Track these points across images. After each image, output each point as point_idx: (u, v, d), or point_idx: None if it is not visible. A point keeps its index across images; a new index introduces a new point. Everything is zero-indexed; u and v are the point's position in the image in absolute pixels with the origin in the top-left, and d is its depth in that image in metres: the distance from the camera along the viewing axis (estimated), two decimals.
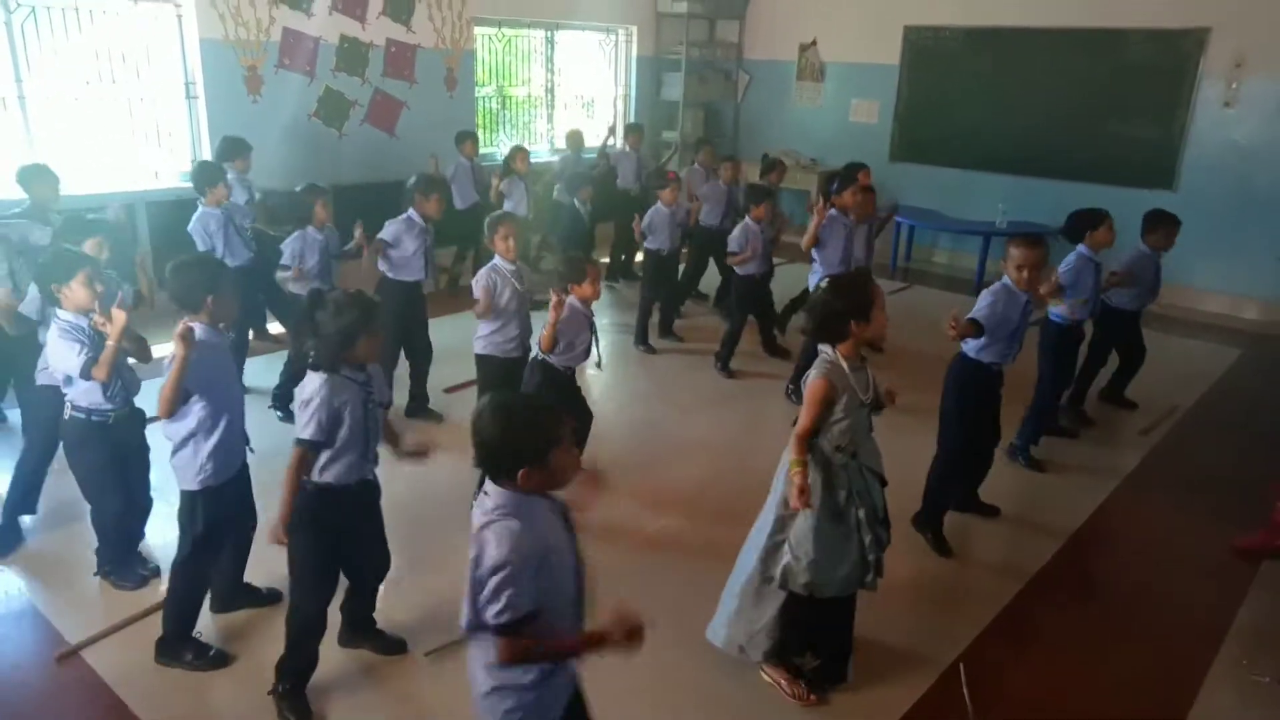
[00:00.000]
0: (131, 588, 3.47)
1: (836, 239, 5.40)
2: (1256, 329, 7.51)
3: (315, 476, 2.74)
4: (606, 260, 8.17)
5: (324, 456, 2.72)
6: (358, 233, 4.93)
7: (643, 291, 6.60)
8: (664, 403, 5.63)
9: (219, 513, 3.04)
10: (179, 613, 3.09)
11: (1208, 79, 7.69)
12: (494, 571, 1.82)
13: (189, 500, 3.01)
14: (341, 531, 2.84)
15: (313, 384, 2.69)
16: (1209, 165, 7.80)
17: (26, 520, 3.89)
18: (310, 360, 2.70)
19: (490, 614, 1.83)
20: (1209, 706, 3.04)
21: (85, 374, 3.05)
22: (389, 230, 4.88)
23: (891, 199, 6.09)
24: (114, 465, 3.31)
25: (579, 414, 4.02)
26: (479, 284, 4.10)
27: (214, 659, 3.10)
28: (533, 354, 4.03)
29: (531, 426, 1.89)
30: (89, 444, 3.27)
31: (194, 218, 5.08)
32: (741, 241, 5.82)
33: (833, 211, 5.42)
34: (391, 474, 3.04)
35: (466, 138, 7.52)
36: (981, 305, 3.82)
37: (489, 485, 1.93)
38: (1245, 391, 6.12)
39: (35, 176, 4.60)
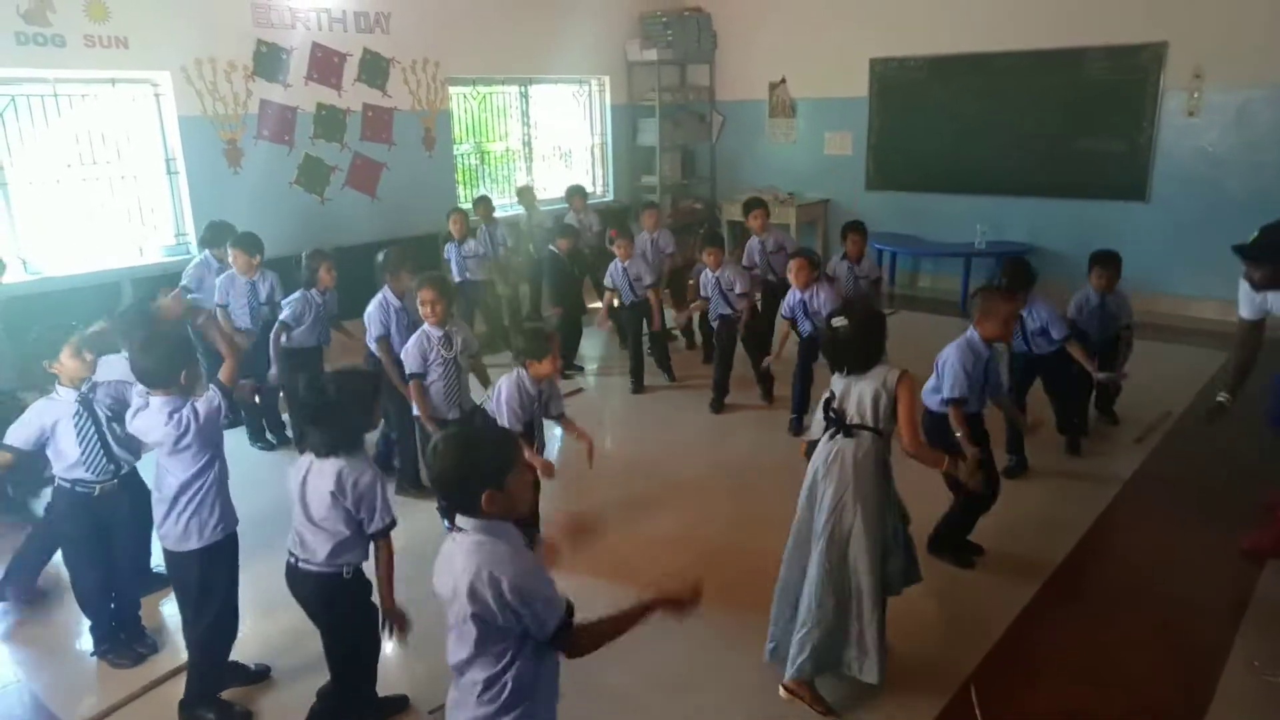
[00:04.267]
0: (128, 665, 3.41)
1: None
2: None
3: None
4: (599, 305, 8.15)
5: None
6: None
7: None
8: (656, 442, 5.64)
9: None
10: (211, 668, 3.08)
11: (1170, 91, 7.84)
12: (522, 594, 1.86)
13: (213, 554, 2.99)
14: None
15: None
16: (1179, 174, 7.91)
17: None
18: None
19: (550, 629, 1.90)
20: (1224, 711, 3.00)
21: None
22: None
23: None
24: (93, 539, 3.30)
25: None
26: (411, 347, 4.26)
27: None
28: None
29: (486, 451, 1.95)
30: (70, 515, 3.27)
31: (221, 279, 5.49)
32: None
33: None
34: None
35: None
36: (950, 377, 3.74)
37: (460, 520, 1.94)
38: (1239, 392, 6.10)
39: None
